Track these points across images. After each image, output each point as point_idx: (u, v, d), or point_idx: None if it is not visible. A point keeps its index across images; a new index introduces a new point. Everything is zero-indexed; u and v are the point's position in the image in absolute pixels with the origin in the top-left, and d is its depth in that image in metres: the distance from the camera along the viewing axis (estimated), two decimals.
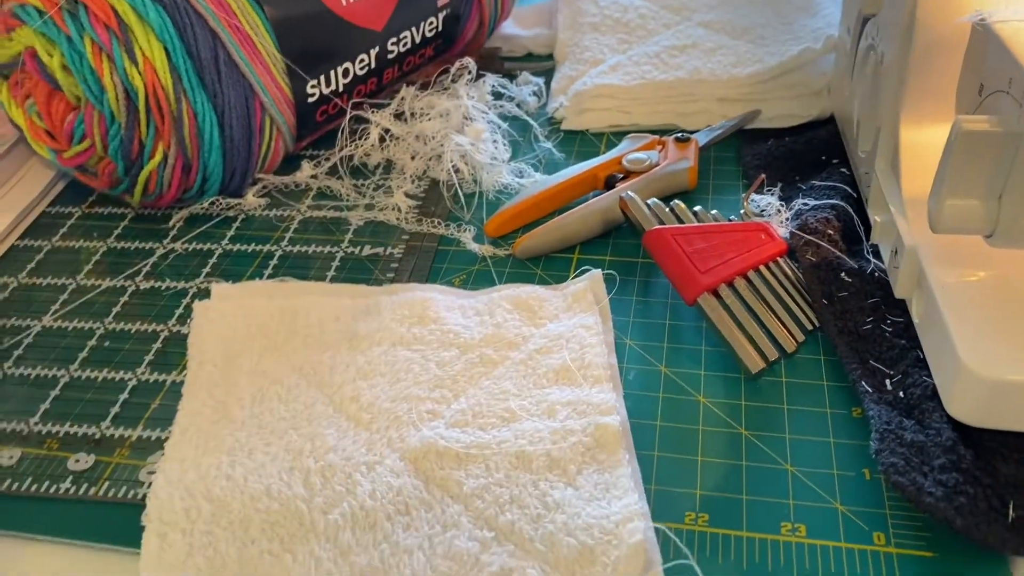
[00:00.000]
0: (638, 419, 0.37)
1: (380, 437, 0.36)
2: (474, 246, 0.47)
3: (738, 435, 0.36)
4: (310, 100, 0.51)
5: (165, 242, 0.49)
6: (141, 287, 0.46)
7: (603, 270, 0.44)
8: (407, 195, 0.50)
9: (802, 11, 0.62)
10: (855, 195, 0.46)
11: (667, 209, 0.44)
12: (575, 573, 0.31)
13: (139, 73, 0.44)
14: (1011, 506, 0.31)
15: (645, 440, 0.36)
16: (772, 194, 0.47)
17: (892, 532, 0.32)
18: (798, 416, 0.37)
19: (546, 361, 0.39)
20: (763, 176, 0.47)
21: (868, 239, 0.42)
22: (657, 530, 0.32)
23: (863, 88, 0.46)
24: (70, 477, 0.36)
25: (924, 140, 0.40)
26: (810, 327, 0.40)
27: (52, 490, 0.36)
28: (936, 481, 0.31)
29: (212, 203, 0.50)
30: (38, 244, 0.50)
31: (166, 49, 0.44)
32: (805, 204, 0.45)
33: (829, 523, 0.32)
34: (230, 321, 0.42)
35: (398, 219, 0.49)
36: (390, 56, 0.55)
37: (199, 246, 0.48)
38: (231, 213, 0.50)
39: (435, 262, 0.46)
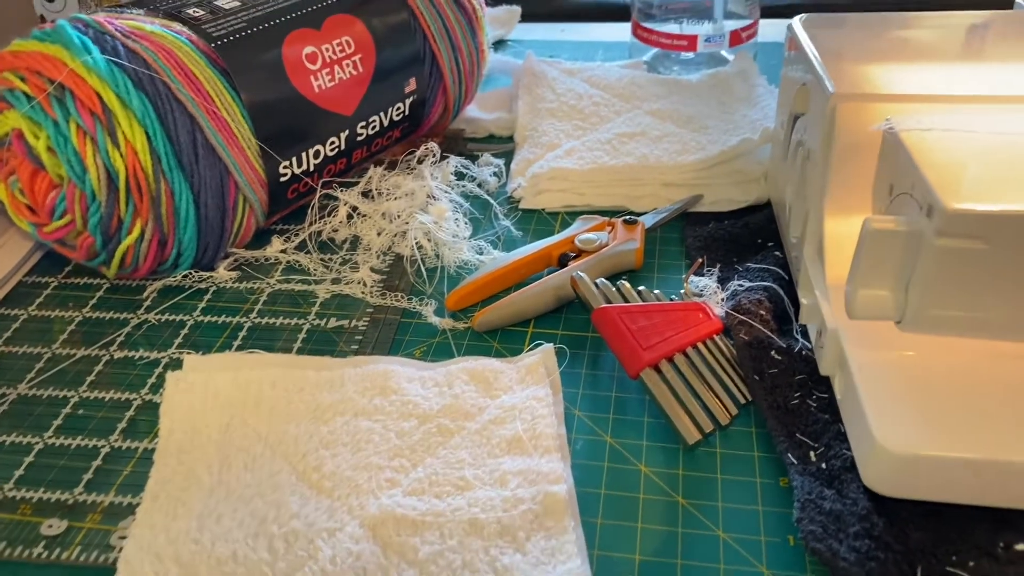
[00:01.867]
0: (584, 487, 0.40)
1: (341, 505, 0.38)
2: (435, 319, 0.50)
3: (675, 503, 0.39)
4: (282, 179, 0.54)
5: (139, 312, 0.51)
6: (115, 356, 0.48)
7: (555, 344, 0.47)
8: (372, 270, 0.53)
9: (743, 102, 0.66)
10: (787, 277, 0.50)
11: (614, 288, 0.48)
12: None
13: (121, 156, 0.47)
14: (919, 571, 0.34)
15: (590, 507, 0.39)
16: (711, 275, 0.51)
17: None
18: (730, 485, 0.40)
19: (499, 431, 0.42)
20: (701, 259, 0.51)
21: (797, 319, 0.46)
22: None
23: (794, 178, 0.50)
24: (43, 542, 0.38)
25: (846, 230, 0.44)
26: (743, 401, 0.44)
27: (25, 554, 0.37)
28: (850, 547, 0.34)
29: (185, 275, 0.53)
30: (14, 313, 0.52)
31: (147, 133, 0.47)
32: (740, 285, 0.49)
33: None
34: (200, 392, 0.44)
35: (363, 293, 0.52)
36: (359, 138, 0.58)
37: (172, 317, 0.51)
38: (203, 285, 0.53)
39: (397, 334, 0.49)
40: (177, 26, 0.51)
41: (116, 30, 0.49)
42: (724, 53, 0.76)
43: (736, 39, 0.75)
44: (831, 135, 0.43)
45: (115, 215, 0.48)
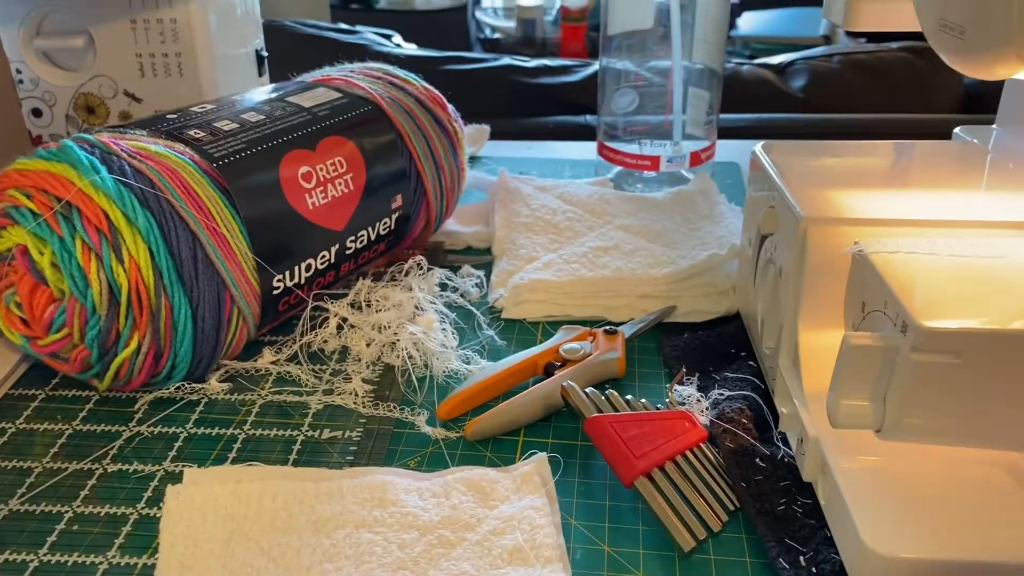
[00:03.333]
0: None
1: None
2: (427, 429, 0.51)
3: None
4: (275, 292, 0.55)
5: (131, 425, 0.51)
6: (108, 470, 0.48)
7: (547, 452, 0.48)
8: (364, 380, 0.55)
9: (707, 219, 0.71)
10: (763, 386, 0.53)
11: (603, 397, 0.50)
12: None
13: (124, 271, 0.48)
14: None
15: None
16: (692, 384, 0.53)
17: None
18: None
19: (500, 542, 0.43)
20: (683, 370, 0.54)
21: (777, 427, 0.49)
22: None
23: (765, 294, 0.53)
24: None
25: (821, 343, 0.47)
26: (732, 507, 0.46)
27: None
28: None
29: (177, 387, 0.53)
30: (3, 426, 0.51)
31: (151, 250, 0.49)
32: (721, 394, 0.51)
33: None
34: (200, 505, 0.44)
35: (355, 403, 0.53)
36: (348, 252, 0.60)
37: (164, 429, 0.51)
38: (195, 397, 0.53)
39: (391, 444, 0.50)
40: (180, 147, 0.53)
41: (122, 150, 0.50)
42: (683, 172, 0.81)
43: (696, 160, 0.80)
44: (802, 256, 0.46)
45: (114, 329, 0.49)
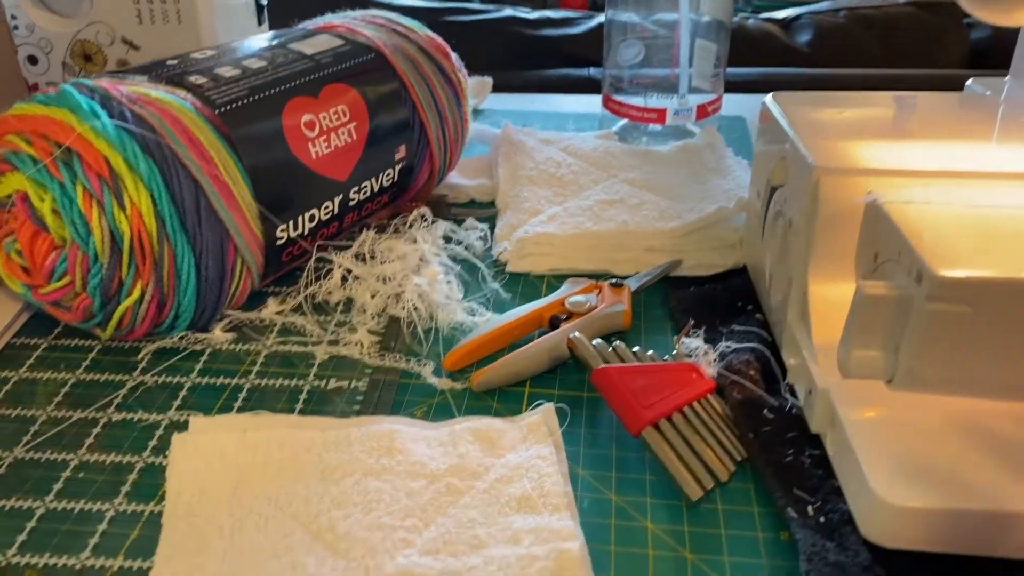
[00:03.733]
0: (594, 544, 0.41)
1: (357, 565, 0.39)
2: (433, 380, 0.51)
3: (684, 559, 0.40)
4: (278, 243, 0.55)
5: (134, 374, 0.51)
6: (113, 419, 0.48)
7: (553, 403, 0.48)
8: (369, 331, 0.54)
9: (714, 172, 0.70)
10: (769, 339, 0.52)
11: (610, 349, 0.49)
12: None
13: (126, 218, 0.47)
14: None
15: (602, 565, 0.40)
16: (698, 337, 0.53)
17: None
18: (734, 540, 0.41)
19: (508, 490, 0.43)
20: (692, 322, 0.53)
21: (784, 379, 0.48)
22: None
23: (774, 247, 0.53)
24: None
25: (831, 295, 0.47)
26: (739, 458, 0.46)
27: None
28: None
29: (181, 337, 0.53)
30: (5, 375, 0.51)
31: (152, 197, 0.48)
32: (728, 347, 0.51)
33: None
34: (206, 453, 0.44)
35: (361, 354, 0.53)
36: (351, 203, 0.60)
37: (168, 379, 0.51)
38: (198, 347, 0.53)
39: (398, 395, 0.50)
40: (181, 92, 0.52)
41: (122, 96, 0.49)
42: (689, 126, 0.80)
43: (703, 112, 0.79)
44: (814, 206, 0.46)
45: (116, 277, 0.49)
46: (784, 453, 0.45)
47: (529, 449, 0.45)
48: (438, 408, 0.49)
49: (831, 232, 0.46)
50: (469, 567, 0.38)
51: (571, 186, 0.69)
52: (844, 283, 0.46)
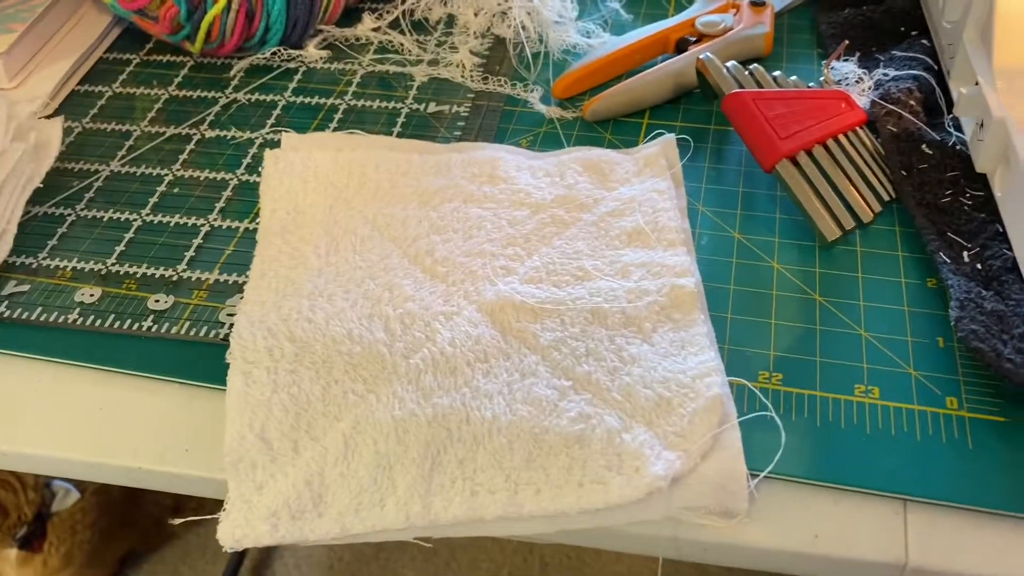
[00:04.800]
0: (711, 283, 0.37)
1: (456, 290, 0.36)
2: (541, 107, 0.46)
3: (812, 300, 0.36)
4: None
5: (227, 92, 0.48)
6: (206, 136, 0.45)
7: (675, 135, 0.43)
8: (472, 52, 0.49)
9: None
10: (936, 67, 0.45)
11: (746, 73, 0.43)
12: (652, 423, 0.32)
13: None
14: None
15: (719, 303, 0.36)
16: (851, 63, 0.46)
17: (965, 397, 0.32)
18: (872, 284, 0.37)
19: (619, 223, 0.39)
20: (846, 42, 0.46)
21: (950, 112, 0.41)
22: (731, 386, 0.33)
23: None
24: (151, 316, 0.37)
25: (1021, 8, 0.39)
26: (887, 198, 0.40)
27: (135, 327, 0.36)
28: (1016, 349, 0.32)
29: (273, 54, 0.49)
30: (98, 90, 0.49)
31: None
32: (886, 74, 0.44)
33: (902, 386, 0.33)
34: (300, 171, 0.41)
35: (463, 77, 0.48)
36: None
37: (262, 97, 0.48)
38: (292, 65, 0.49)
39: (501, 122, 0.46)
40: None
41: None
42: None
43: None
44: None
45: None
46: (941, 193, 0.39)
47: (644, 182, 0.41)
48: (545, 137, 0.45)
49: None
50: (574, 297, 0.36)
51: None
52: None
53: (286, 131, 0.43)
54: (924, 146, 0.40)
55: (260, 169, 0.41)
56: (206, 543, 0.92)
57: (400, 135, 0.45)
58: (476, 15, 0.51)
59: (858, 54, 0.47)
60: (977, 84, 0.39)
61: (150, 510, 0.87)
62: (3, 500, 0.77)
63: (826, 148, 0.40)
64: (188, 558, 0.91)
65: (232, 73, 0.49)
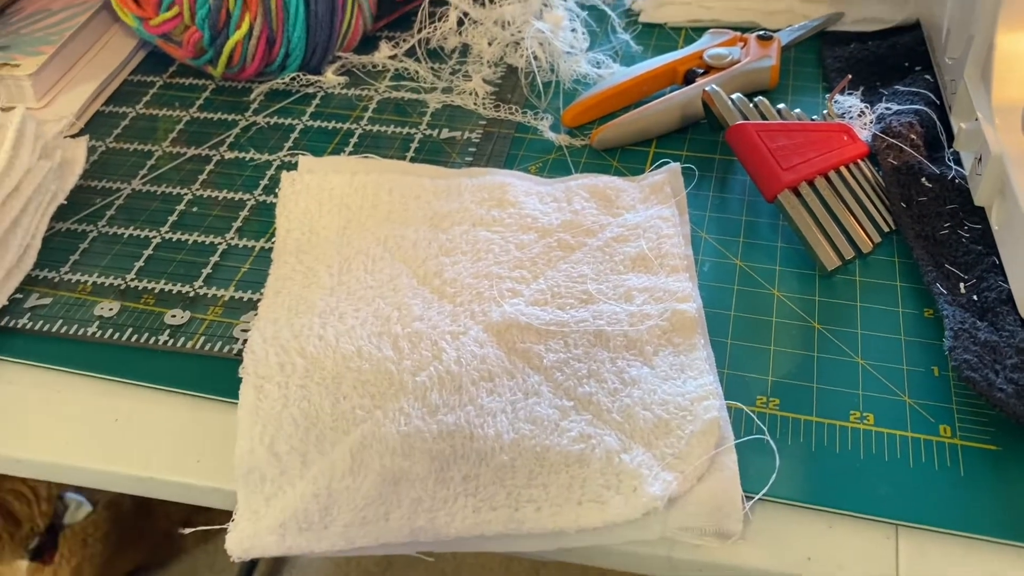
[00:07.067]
0: (712, 308, 0.38)
1: (463, 310, 0.37)
2: (551, 135, 0.47)
3: (811, 328, 0.37)
4: None
5: (247, 115, 0.50)
6: (225, 157, 0.47)
7: (680, 164, 0.44)
8: (484, 80, 0.51)
9: None
10: (938, 102, 0.46)
11: (751, 105, 0.44)
12: (651, 444, 0.32)
13: None
14: None
15: (719, 328, 0.37)
16: (855, 96, 0.47)
17: (958, 426, 0.33)
18: (870, 313, 0.37)
19: (623, 249, 0.40)
20: (849, 76, 0.47)
21: (951, 146, 0.42)
22: (729, 409, 0.33)
23: None
24: (168, 331, 0.38)
25: (1019, 49, 0.40)
26: (886, 229, 0.41)
27: (151, 342, 0.38)
28: (1007, 379, 0.32)
29: (292, 79, 0.51)
30: (123, 111, 0.51)
31: None
32: (888, 108, 0.45)
33: (897, 414, 0.33)
34: (315, 193, 0.43)
35: (475, 104, 0.49)
36: None
37: (280, 120, 0.49)
38: (311, 90, 0.51)
39: (512, 148, 0.47)
40: None
41: None
42: None
43: None
44: None
45: (223, 8, 0.46)
46: (939, 226, 0.40)
47: (649, 209, 0.42)
48: (554, 164, 0.46)
49: None
50: (577, 320, 0.37)
51: None
52: None
53: (303, 154, 0.44)
54: (924, 179, 0.41)
55: (277, 190, 0.43)
56: (214, 559, 0.93)
57: (413, 160, 0.46)
58: (490, 45, 0.52)
59: (862, 88, 0.48)
60: (977, 120, 0.40)
61: (161, 524, 0.88)
62: (16, 511, 0.78)
63: (828, 179, 0.41)
64: (196, 573, 0.92)
65: (252, 97, 0.51)
